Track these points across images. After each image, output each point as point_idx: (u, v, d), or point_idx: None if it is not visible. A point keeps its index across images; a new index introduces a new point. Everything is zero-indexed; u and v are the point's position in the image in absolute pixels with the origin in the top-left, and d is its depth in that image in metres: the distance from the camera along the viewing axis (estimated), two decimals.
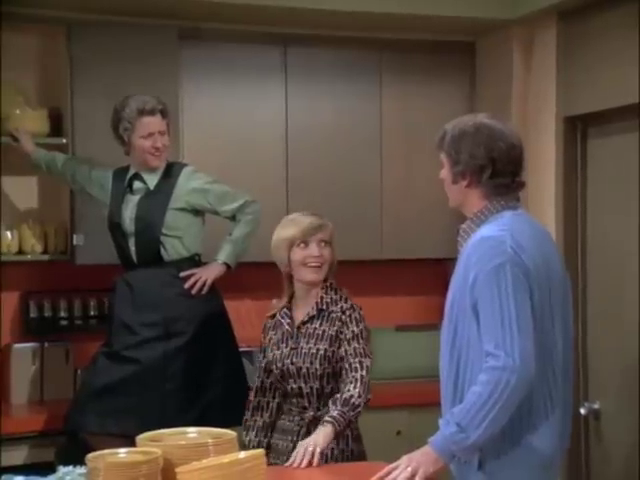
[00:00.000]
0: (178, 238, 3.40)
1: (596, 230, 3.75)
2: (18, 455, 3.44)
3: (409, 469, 2.26)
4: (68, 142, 3.76)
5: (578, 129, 3.79)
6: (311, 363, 2.79)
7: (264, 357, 2.94)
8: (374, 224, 4.19)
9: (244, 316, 3.93)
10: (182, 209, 3.40)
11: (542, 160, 3.88)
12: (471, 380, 2.26)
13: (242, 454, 2.16)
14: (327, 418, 2.64)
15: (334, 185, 4.11)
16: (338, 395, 2.69)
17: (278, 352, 2.87)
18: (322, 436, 2.60)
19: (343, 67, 4.15)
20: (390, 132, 4.20)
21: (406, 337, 4.20)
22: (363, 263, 4.17)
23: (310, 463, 2.54)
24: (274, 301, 2.94)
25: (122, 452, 2.25)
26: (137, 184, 3.45)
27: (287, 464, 2.58)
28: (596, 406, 3.63)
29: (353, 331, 2.77)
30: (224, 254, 3.42)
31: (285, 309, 2.91)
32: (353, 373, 2.71)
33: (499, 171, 2.35)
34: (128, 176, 3.47)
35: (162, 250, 3.39)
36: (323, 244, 2.85)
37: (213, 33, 3.98)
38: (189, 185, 3.42)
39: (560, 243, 3.76)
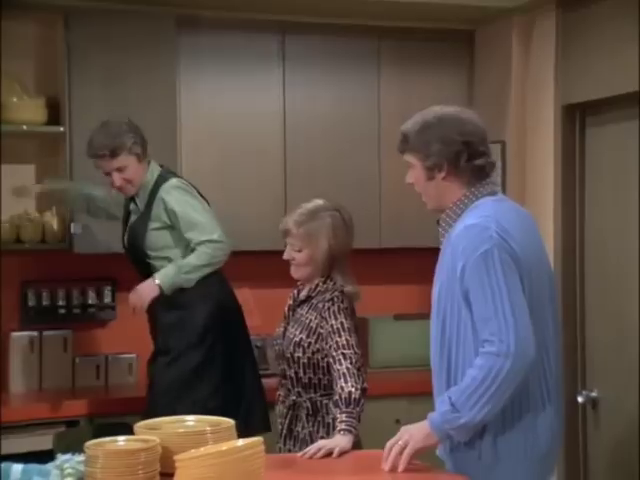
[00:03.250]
0: (166, 258, 3.27)
1: (594, 218, 3.73)
2: (17, 443, 3.44)
3: (400, 443, 2.27)
4: (65, 130, 3.74)
5: (577, 117, 3.78)
6: (287, 348, 2.82)
7: None
8: (373, 213, 4.18)
9: (244, 305, 3.92)
10: (162, 228, 3.27)
11: (540, 148, 3.88)
12: (464, 370, 2.26)
13: (240, 442, 2.14)
14: (341, 427, 2.56)
15: (332, 174, 4.10)
16: (337, 397, 2.63)
17: (277, 330, 2.91)
18: (344, 440, 2.54)
19: (341, 55, 4.13)
20: (389, 120, 4.16)
21: (405, 326, 4.20)
22: (362, 252, 4.14)
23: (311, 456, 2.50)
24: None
25: (121, 440, 2.24)
26: (132, 206, 3.37)
27: (299, 454, 2.54)
28: (594, 394, 3.63)
29: (332, 325, 2.74)
30: (162, 274, 3.22)
31: (295, 289, 2.93)
32: (337, 366, 2.67)
33: (474, 153, 2.33)
34: (128, 199, 3.40)
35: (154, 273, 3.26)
36: (293, 249, 2.84)
37: (211, 21, 3.96)
38: (165, 204, 3.26)
39: (558, 231, 3.75)
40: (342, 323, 2.74)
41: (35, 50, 3.91)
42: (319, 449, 2.51)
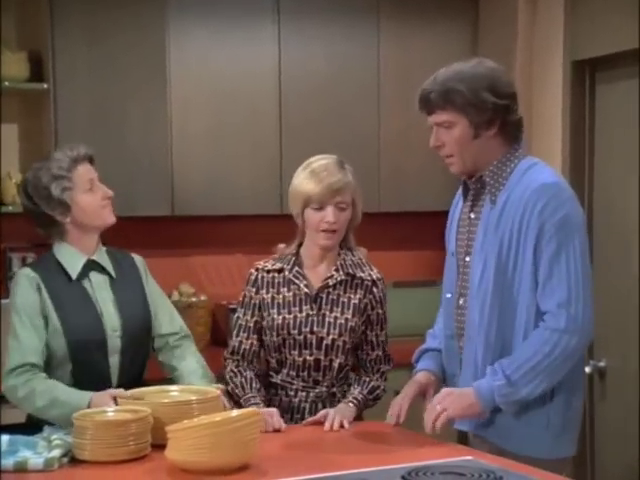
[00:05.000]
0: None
1: (604, 177, 3.67)
2: (3, 415, 3.35)
3: (438, 407, 2.20)
4: (49, 88, 3.61)
5: (586, 74, 3.70)
6: (339, 335, 2.52)
7: (252, 315, 2.57)
8: (371, 175, 4.06)
9: (235, 270, 3.84)
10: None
11: (549, 105, 3.79)
12: (526, 333, 2.15)
13: (234, 412, 2.12)
14: (352, 400, 2.54)
15: (329, 134, 3.96)
16: (366, 378, 2.61)
17: (290, 316, 2.52)
18: (348, 412, 2.50)
19: (339, 9, 4.00)
20: (388, 79, 4.04)
21: (404, 294, 4.11)
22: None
23: (331, 427, 2.44)
24: (281, 246, 2.65)
25: (110, 411, 2.22)
26: (95, 276, 2.52)
27: (303, 423, 2.50)
28: (602, 364, 3.60)
29: (384, 313, 2.62)
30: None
31: (297, 268, 2.56)
32: (380, 366, 2.64)
33: (516, 106, 2.22)
34: (79, 268, 2.50)
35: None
36: (341, 208, 2.49)
37: None
38: (150, 280, 2.63)
39: None
40: (385, 311, 2.64)
41: (17, 3, 3.76)
42: (325, 418, 2.46)
